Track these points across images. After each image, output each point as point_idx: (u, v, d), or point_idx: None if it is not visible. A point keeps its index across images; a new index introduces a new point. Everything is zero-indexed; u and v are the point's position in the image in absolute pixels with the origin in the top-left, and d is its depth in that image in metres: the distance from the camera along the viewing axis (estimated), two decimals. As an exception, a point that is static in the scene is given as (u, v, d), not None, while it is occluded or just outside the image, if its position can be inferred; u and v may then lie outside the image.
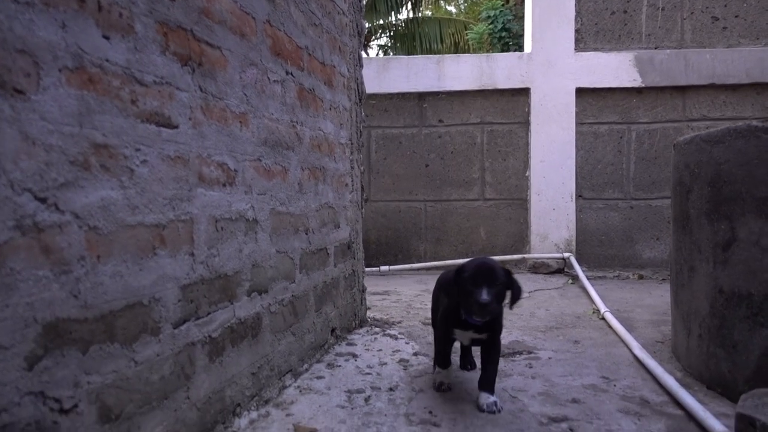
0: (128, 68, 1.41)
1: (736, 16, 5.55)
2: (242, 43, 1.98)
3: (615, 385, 2.38)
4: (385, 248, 5.90)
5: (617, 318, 3.41)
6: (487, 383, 2.10)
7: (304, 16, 2.53)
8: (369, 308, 3.87)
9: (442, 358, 2.29)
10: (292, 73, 2.40)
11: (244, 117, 1.99)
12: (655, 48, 5.62)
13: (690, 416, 2.02)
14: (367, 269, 5.44)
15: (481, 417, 2.02)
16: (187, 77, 1.65)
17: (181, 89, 1.62)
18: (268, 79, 2.19)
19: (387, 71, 5.75)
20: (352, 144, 3.30)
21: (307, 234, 2.57)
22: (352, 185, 3.30)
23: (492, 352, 2.13)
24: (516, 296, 2.03)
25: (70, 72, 1.22)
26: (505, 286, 1.97)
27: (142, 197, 1.45)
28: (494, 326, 2.10)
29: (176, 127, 1.59)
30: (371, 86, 5.60)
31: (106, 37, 1.33)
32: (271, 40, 2.20)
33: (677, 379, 2.31)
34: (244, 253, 1.98)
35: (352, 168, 3.30)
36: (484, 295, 1.86)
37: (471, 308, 1.93)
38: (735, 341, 2.14)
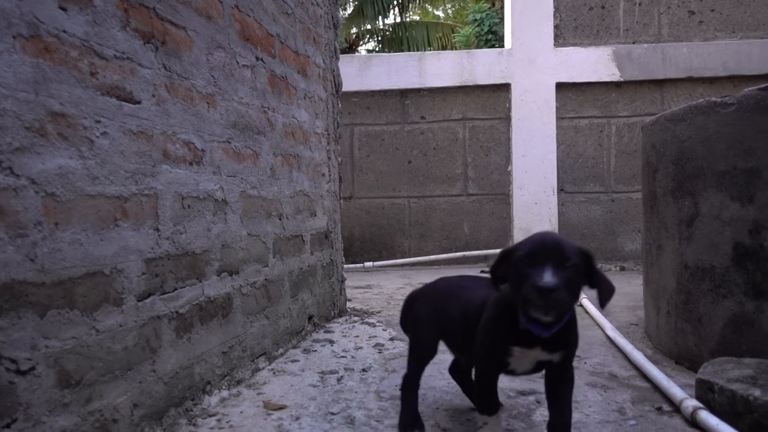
0: (87, 41, 1.43)
1: (712, 10, 5.63)
2: (209, 26, 2.00)
3: (585, 363, 2.41)
4: (369, 245, 5.93)
5: (594, 304, 3.44)
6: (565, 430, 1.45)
7: (275, 4, 2.55)
8: (350, 300, 3.89)
9: (487, 396, 1.50)
10: (262, 60, 2.43)
11: (211, 98, 2.01)
12: (633, 42, 5.69)
13: (655, 387, 2.05)
14: (351, 266, 5.48)
15: (447, 390, 2.05)
16: (149, 54, 1.67)
17: (144, 66, 1.64)
18: (237, 63, 2.21)
19: (369, 69, 5.79)
20: (328, 134, 3.32)
21: (280, 219, 2.59)
22: (330, 175, 3.32)
23: (566, 380, 1.46)
24: (605, 291, 1.35)
25: (25, 40, 1.24)
26: (579, 269, 1.28)
27: (103, 168, 1.47)
28: (569, 338, 1.41)
29: (139, 102, 1.62)
30: (353, 84, 5.64)
31: (63, 9, 1.35)
32: (239, 25, 2.23)
33: (647, 356, 2.35)
34: (213, 233, 2.00)
35: (329, 158, 3.33)
36: (547, 277, 1.21)
37: (528, 297, 1.24)
38: (700, 315, 2.18)
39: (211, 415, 1.85)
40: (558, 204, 5.71)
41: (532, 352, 1.39)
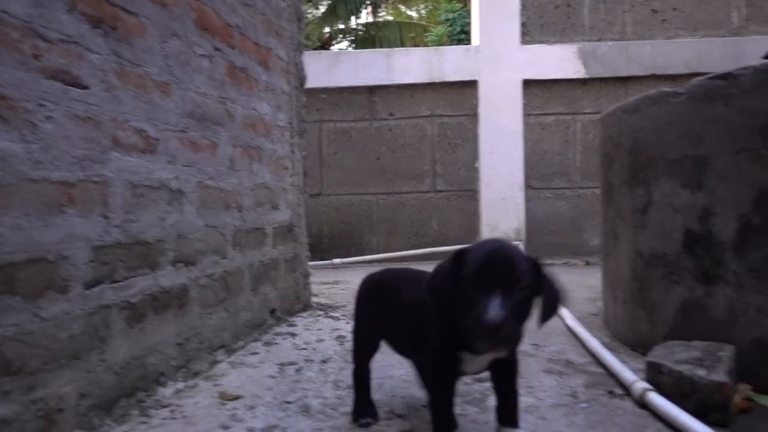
0: (29, 22, 1.40)
1: (675, 9, 5.74)
2: (163, 13, 1.98)
3: (543, 351, 2.44)
4: (338, 241, 5.92)
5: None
6: (514, 414, 1.45)
7: (233, -5, 2.54)
8: (315, 295, 3.87)
9: (443, 415, 1.40)
10: (221, 50, 2.41)
11: (166, 87, 1.99)
12: (598, 40, 5.77)
13: (609, 372, 2.08)
14: (319, 262, 5.46)
15: (405, 378, 2.05)
16: (98, 39, 1.65)
17: (92, 51, 1.62)
18: (194, 52, 2.19)
19: (337, 65, 5.78)
20: (292, 128, 3.31)
21: (240, 212, 2.57)
22: (293, 169, 3.31)
23: (512, 372, 1.45)
24: (551, 306, 1.26)
25: (-40, 19, 1.22)
26: (532, 289, 1.21)
27: (47, 153, 1.44)
28: (521, 335, 1.28)
29: (87, 87, 1.59)
30: (321, 80, 5.63)
31: (3, -11, 1.33)
32: (196, 14, 2.20)
33: (604, 344, 2.38)
34: (168, 223, 1.98)
35: (293, 152, 3.31)
36: (495, 311, 1.11)
37: (474, 332, 1.16)
38: (653, 301, 2.22)
39: (164, 406, 1.83)
40: (525, 200, 5.77)
41: (483, 356, 1.34)
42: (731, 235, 1.91)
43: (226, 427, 1.67)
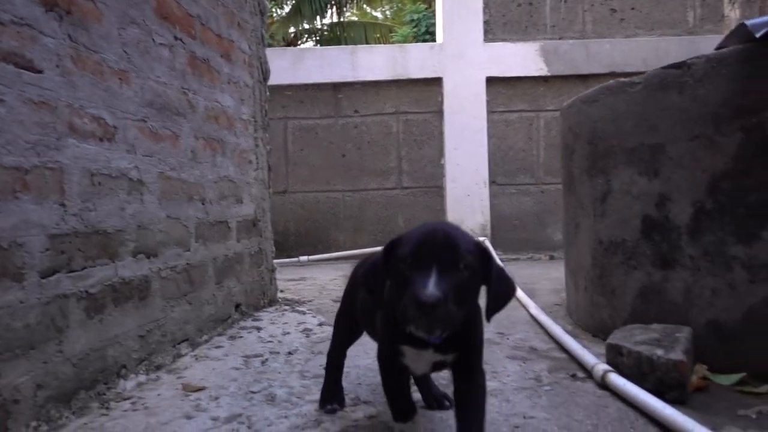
0: (-21, 3, 1.36)
1: (633, 8, 5.88)
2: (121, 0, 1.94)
3: (508, 339, 2.46)
4: (304, 239, 5.89)
5: (522, 288, 3.53)
6: None
7: (194, -16, 2.50)
8: (282, 291, 3.85)
9: (396, 401, 1.36)
10: (182, 40, 2.38)
11: (124, 74, 1.95)
12: (559, 38, 5.87)
13: (572, 357, 2.12)
14: (285, 260, 5.42)
15: (371, 367, 2.05)
16: (53, 23, 1.61)
17: (46, 34, 1.58)
18: (154, 41, 2.16)
19: (301, 62, 5.75)
20: (256, 122, 3.28)
21: (203, 204, 2.54)
22: (257, 163, 3.28)
23: (473, 388, 1.27)
24: (500, 295, 1.19)
25: None
26: (476, 271, 1.13)
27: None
28: (468, 341, 1.25)
29: (41, 71, 1.55)
30: (286, 77, 5.60)
31: (-49, -34, 1.29)
32: (155, 2, 2.17)
33: (566, 331, 2.42)
34: (128, 213, 1.94)
35: (257, 146, 3.29)
36: (430, 287, 1.03)
37: (407, 312, 1.07)
38: (613, 287, 2.27)
39: (125, 399, 1.79)
40: (490, 196, 5.83)
41: (424, 353, 1.23)
42: (686, 221, 1.96)
43: (189, 417, 1.65)
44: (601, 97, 2.31)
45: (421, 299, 1.02)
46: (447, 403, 1.63)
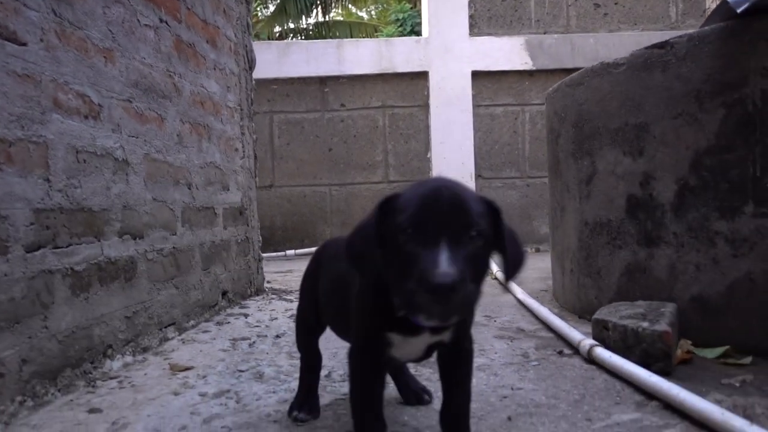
0: (-38, -29, 1.35)
1: (616, 3, 5.93)
2: (105, -22, 1.93)
3: (495, 321, 2.48)
4: (291, 233, 5.87)
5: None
6: (462, 424, 1.15)
7: (180, -32, 2.49)
8: (269, 282, 3.84)
9: (366, 418, 1.12)
10: (167, 22, 2.37)
11: (109, 53, 1.94)
12: (544, 33, 5.91)
13: (558, 336, 2.13)
14: (272, 254, 5.41)
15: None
16: (37, -3, 1.60)
17: (30, 7, 1.56)
18: (139, 21, 2.14)
19: (287, 56, 5.74)
20: (242, 110, 3.27)
21: (190, 189, 2.52)
22: (244, 151, 3.27)
23: (462, 357, 1.16)
24: (517, 260, 1.01)
25: None
26: (488, 237, 0.94)
27: (-17, 108, 1.39)
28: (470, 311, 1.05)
29: (24, 44, 1.54)
30: (272, 71, 5.58)
31: (-67, -68, 1.27)
32: (140, -17, 2.16)
33: (553, 313, 2.43)
34: (113, 192, 1.93)
35: (243, 134, 3.28)
36: (444, 265, 0.84)
37: (414, 298, 0.87)
38: (599, 267, 2.29)
39: (112, 378, 1.78)
40: (476, 190, 5.84)
41: (417, 339, 1.06)
42: (670, 198, 1.99)
43: (177, 393, 1.64)
44: (586, 80, 2.33)
45: (434, 282, 0.82)
46: (426, 398, 1.48)
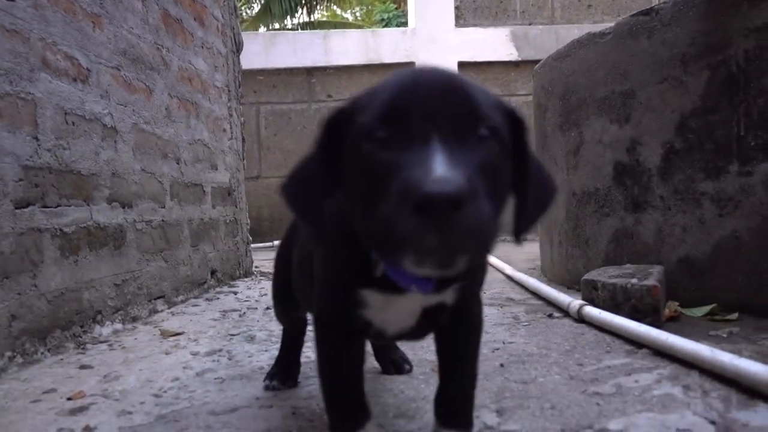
0: None
1: (599, -5, 6.01)
2: (93, -56, 1.92)
3: (485, 293, 2.49)
4: (279, 224, 5.85)
5: (498, 258, 3.56)
6: (461, 411, 0.89)
7: (167, -58, 2.49)
8: (257, 267, 3.83)
9: (341, 399, 0.86)
10: (155, -5, 2.36)
11: (97, 18, 1.93)
12: (529, 24, 5.96)
13: (548, 302, 2.15)
14: (260, 245, 5.39)
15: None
16: (24, -46, 1.59)
17: (18, -36, 1.56)
18: (126, -9, 2.14)
19: (274, 46, 5.73)
20: (229, 91, 3.26)
21: (178, 164, 2.52)
22: (232, 132, 3.26)
23: (468, 332, 0.90)
24: (543, 194, 0.73)
25: None
26: (505, 145, 0.64)
27: (-29, 58, 1.37)
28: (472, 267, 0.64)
29: (13, 0, 1.53)
30: (258, 61, 5.57)
31: None
32: (127, -48, 2.15)
33: (542, 282, 2.46)
34: (102, 158, 1.92)
35: (231, 115, 3.27)
36: (439, 166, 0.55)
37: (392, 229, 0.55)
38: (587, 237, 2.31)
39: (102, 342, 1.77)
40: (463, 179, 5.87)
41: (405, 300, 0.77)
42: (657, 162, 2.01)
43: (168, 353, 1.63)
44: (573, 51, 2.36)
45: (427, 191, 0.51)
46: (407, 367, 1.34)
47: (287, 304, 1.23)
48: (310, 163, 0.70)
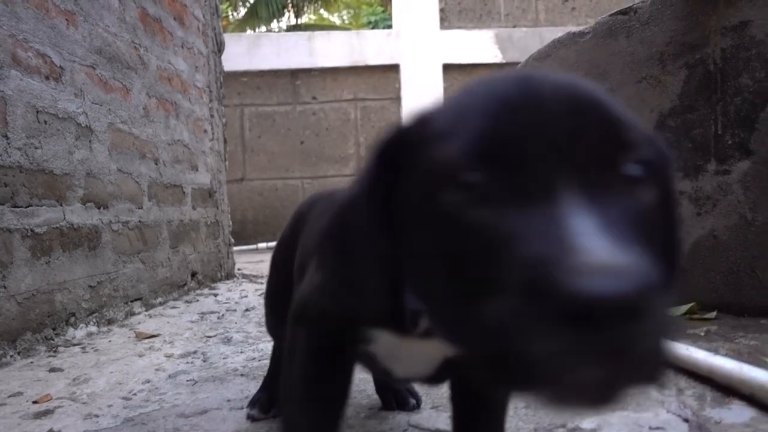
0: None
1: (583, -2, 6.04)
2: (67, -60, 1.90)
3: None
4: (263, 227, 5.82)
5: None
6: None
7: (145, -60, 2.46)
8: (240, 269, 3.80)
9: None
10: (132, -6, 2.33)
11: (71, 16, 1.90)
12: (514, 27, 5.98)
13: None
14: (244, 247, 5.36)
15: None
16: (-6, -51, 1.56)
17: (-13, -41, 1.53)
18: (102, -11, 2.11)
19: (257, 48, 5.71)
20: (211, 92, 3.24)
21: (156, 164, 2.48)
22: (213, 134, 3.23)
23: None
24: (680, 239, 0.51)
25: None
26: (662, 183, 0.45)
27: (-64, 54, 1.34)
28: None
29: (-20, -5, 1.50)
30: (242, 63, 5.54)
31: None
32: (103, -50, 2.13)
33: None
34: (76, 158, 1.89)
35: (212, 116, 3.24)
36: (597, 245, 0.33)
37: (521, 346, 0.33)
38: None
39: (75, 345, 1.74)
40: (448, 181, 5.88)
41: (426, 345, 0.56)
42: (636, 162, 2.01)
43: (141, 355, 1.60)
44: (554, 51, 2.35)
45: (589, 292, 0.31)
46: (413, 402, 1.09)
47: (282, 313, 0.82)
48: (356, 211, 0.49)
